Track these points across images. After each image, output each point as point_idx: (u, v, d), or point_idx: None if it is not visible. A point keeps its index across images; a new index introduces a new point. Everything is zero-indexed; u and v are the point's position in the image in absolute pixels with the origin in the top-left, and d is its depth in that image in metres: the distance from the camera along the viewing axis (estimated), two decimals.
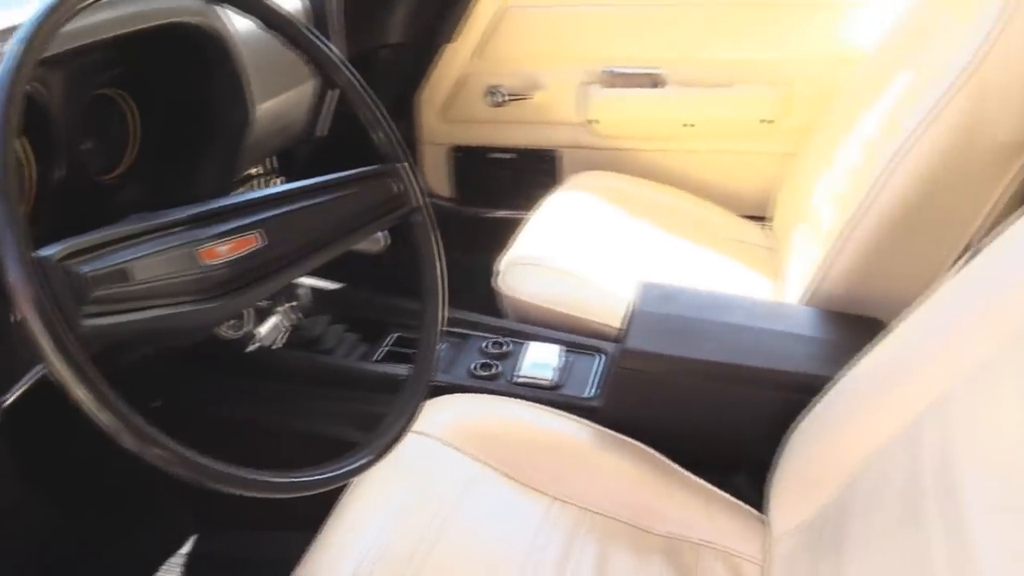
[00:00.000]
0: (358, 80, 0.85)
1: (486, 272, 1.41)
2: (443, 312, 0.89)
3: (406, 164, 0.87)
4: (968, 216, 1.10)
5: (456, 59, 1.86)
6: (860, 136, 1.31)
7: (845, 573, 0.77)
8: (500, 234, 1.54)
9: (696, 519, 0.98)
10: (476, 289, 1.37)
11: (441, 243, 0.90)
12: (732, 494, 1.01)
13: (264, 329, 1.21)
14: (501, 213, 1.93)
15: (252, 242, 0.71)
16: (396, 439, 0.79)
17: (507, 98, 1.85)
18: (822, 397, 0.92)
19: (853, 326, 1.06)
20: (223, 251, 0.69)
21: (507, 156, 1.93)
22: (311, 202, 0.77)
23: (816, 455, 0.90)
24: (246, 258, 0.71)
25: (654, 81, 1.77)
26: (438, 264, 0.89)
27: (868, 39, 1.51)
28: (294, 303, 1.26)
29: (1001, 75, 1.00)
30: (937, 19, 1.24)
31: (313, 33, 0.83)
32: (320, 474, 0.68)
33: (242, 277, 0.71)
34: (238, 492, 0.60)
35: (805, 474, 0.92)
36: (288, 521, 0.98)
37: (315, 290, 1.32)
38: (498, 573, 0.88)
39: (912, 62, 1.24)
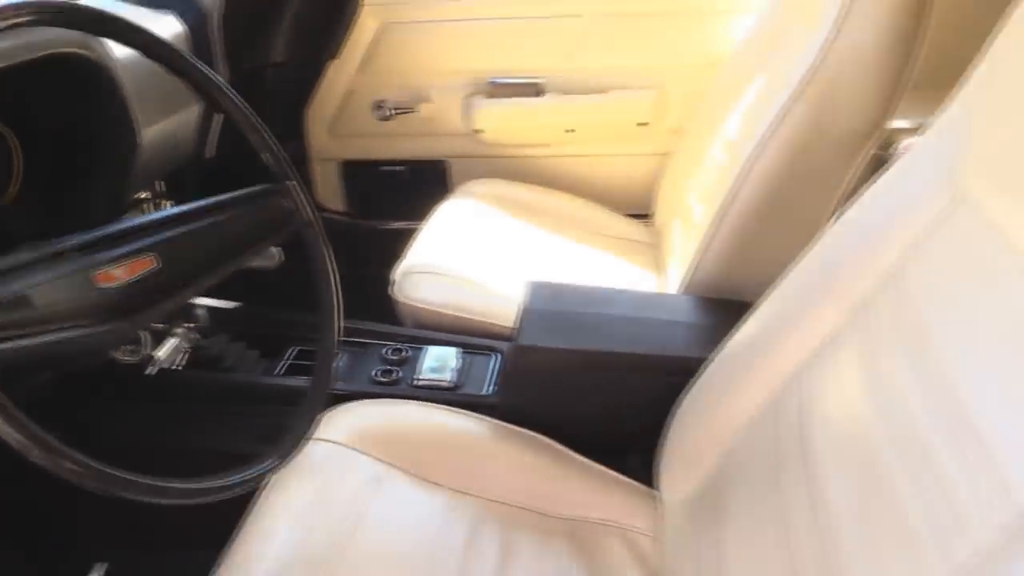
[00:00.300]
0: (241, 104, 0.88)
1: (383, 282, 1.45)
2: (339, 323, 0.93)
3: (294, 182, 0.91)
4: (823, 202, 1.20)
5: (341, 75, 1.89)
6: (724, 136, 1.40)
7: (723, 538, 0.84)
8: (394, 244, 1.58)
9: (594, 500, 1.04)
10: (374, 299, 1.41)
11: (333, 257, 0.94)
12: (627, 475, 1.08)
13: (163, 352, 1.21)
14: (395, 224, 1.97)
15: (147, 264, 0.74)
16: (300, 443, 0.83)
17: (394, 112, 1.89)
18: (699, 377, 1.00)
19: (726, 310, 1.14)
20: (118, 274, 0.71)
21: (398, 168, 1.97)
22: (203, 223, 0.80)
23: (696, 431, 0.98)
24: (142, 280, 0.73)
25: (535, 90, 1.85)
26: (331, 277, 0.93)
27: (733, 44, 1.62)
28: (192, 324, 1.27)
29: (840, 72, 1.11)
30: (785, 26, 1.35)
31: (194, 60, 0.85)
32: (228, 479, 0.71)
33: (138, 298, 0.73)
34: (150, 500, 0.62)
35: (688, 449, 0.99)
36: (197, 540, 1.00)
37: (213, 310, 1.34)
38: (408, 565, 0.92)
39: (765, 66, 1.34)
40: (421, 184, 1.95)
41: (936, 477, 0.57)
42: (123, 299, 0.71)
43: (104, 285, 0.69)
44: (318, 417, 0.89)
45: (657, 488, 1.04)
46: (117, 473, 0.60)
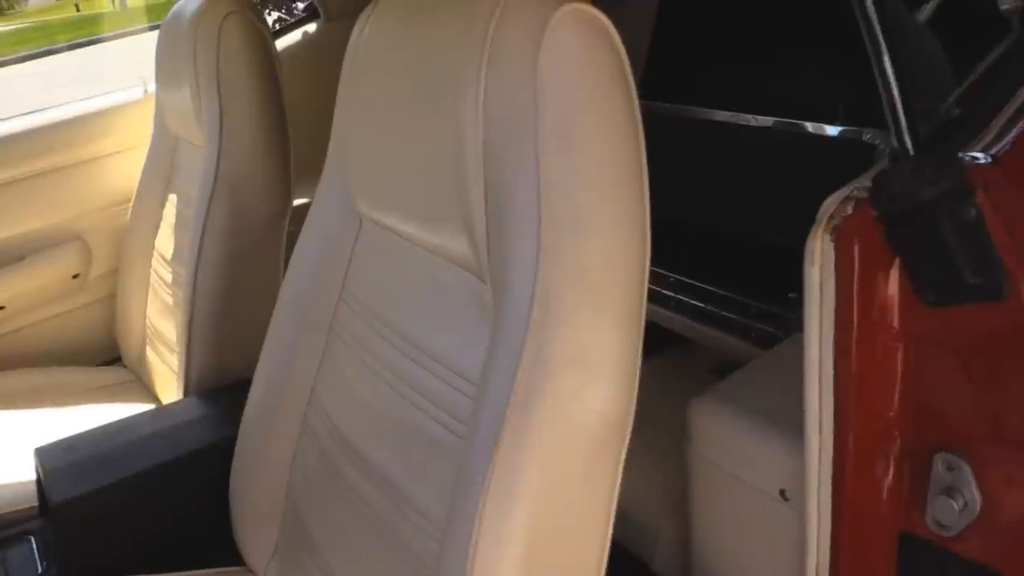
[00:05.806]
0: None
1: None
2: None
3: None
4: (272, 271, 1.40)
5: None
6: (160, 257, 1.54)
7: (325, 549, 0.97)
8: None
9: None
10: None
11: None
12: (217, 567, 1.14)
13: None
14: None
15: None
16: None
17: None
18: (237, 450, 1.12)
19: (232, 390, 1.25)
20: None
21: None
22: None
23: (255, 492, 1.10)
24: None
25: None
26: None
27: (135, 178, 1.72)
28: None
29: (237, 177, 1.35)
30: (175, 150, 1.54)
31: None
32: None
33: None
34: None
35: (255, 512, 1.10)
36: None
37: None
38: None
39: (170, 187, 1.52)
40: None
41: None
42: None
43: None
44: None
45: (246, 562, 1.13)
46: None
